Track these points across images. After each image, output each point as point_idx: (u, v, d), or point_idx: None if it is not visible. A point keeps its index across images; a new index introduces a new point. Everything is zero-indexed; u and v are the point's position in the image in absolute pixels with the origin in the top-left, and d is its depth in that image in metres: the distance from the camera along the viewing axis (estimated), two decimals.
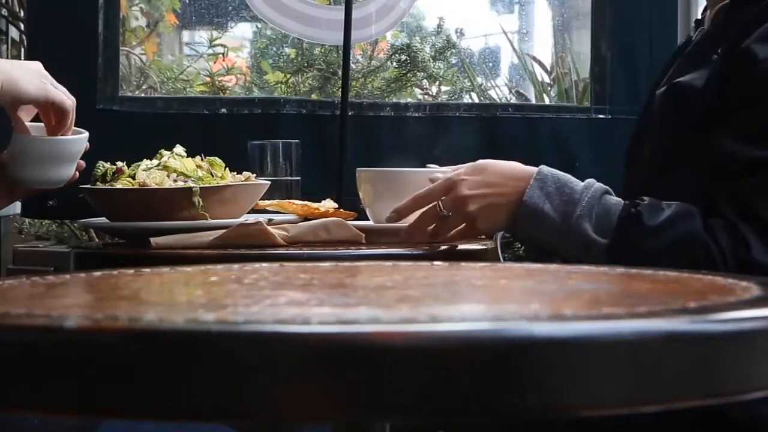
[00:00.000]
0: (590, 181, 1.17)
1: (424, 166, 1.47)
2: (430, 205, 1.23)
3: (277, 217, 1.39)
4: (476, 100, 3.01)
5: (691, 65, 1.17)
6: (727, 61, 1.11)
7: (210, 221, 1.30)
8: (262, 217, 1.32)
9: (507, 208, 1.18)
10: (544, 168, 1.19)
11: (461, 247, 1.29)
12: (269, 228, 1.24)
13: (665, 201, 1.10)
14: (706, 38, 1.21)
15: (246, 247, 1.22)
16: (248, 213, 1.40)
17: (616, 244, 1.11)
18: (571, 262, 1.13)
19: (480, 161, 1.23)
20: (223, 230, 1.25)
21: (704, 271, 0.67)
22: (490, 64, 3.46)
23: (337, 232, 1.30)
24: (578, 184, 1.16)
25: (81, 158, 1.31)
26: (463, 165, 1.24)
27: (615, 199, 1.15)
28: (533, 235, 1.19)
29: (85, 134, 1.29)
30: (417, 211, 1.25)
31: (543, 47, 3.40)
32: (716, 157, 1.09)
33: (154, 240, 1.25)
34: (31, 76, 1.21)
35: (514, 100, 3.00)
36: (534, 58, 3.19)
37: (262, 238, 1.24)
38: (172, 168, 1.35)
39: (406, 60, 3.09)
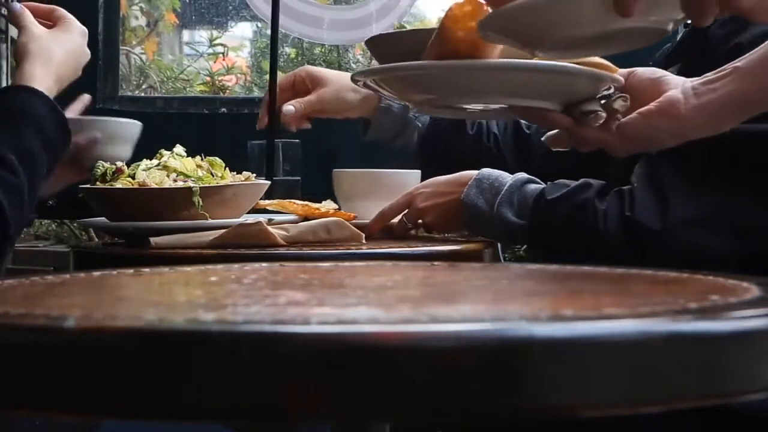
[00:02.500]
0: (520, 173, 1.24)
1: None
2: (397, 219, 1.36)
3: (277, 217, 1.39)
4: None
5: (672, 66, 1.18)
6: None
7: (210, 221, 1.30)
8: (262, 217, 1.32)
9: (456, 211, 1.27)
10: (486, 170, 1.27)
11: (461, 247, 1.29)
12: (269, 228, 1.24)
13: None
14: (691, 37, 1.22)
15: (246, 247, 1.22)
16: (248, 213, 1.40)
17: (532, 224, 1.18)
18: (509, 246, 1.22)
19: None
20: (223, 230, 1.25)
21: (705, 272, 0.67)
22: None
23: (337, 232, 1.30)
24: (507, 177, 1.24)
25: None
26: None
27: (535, 185, 1.22)
28: (479, 230, 1.28)
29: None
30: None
31: None
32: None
33: (153, 240, 1.25)
34: (76, 60, 1.29)
35: None
36: None
37: (262, 238, 1.24)
38: (172, 168, 1.35)
39: None
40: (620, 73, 1.06)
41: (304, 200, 1.48)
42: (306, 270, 0.76)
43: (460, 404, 0.41)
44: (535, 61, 1.00)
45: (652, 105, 0.97)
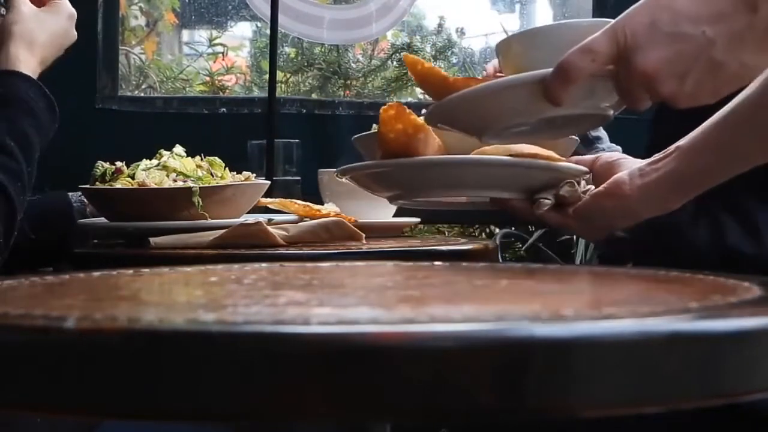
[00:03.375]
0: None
1: None
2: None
3: (277, 217, 1.39)
4: None
5: None
6: None
7: (210, 221, 1.30)
8: (262, 217, 1.32)
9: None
10: None
11: (462, 247, 1.29)
12: (269, 228, 1.24)
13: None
14: None
15: (246, 247, 1.22)
16: (249, 212, 1.40)
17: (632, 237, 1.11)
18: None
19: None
20: (223, 230, 1.25)
21: (706, 272, 0.67)
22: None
23: (338, 232, 1.30)
24: None
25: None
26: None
27: None
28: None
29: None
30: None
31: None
32: None
33: (153, 240, 1.25)
34: (59, 39, 1.27)
35: None
36: None
37: (262, 238, 1.24)
38: (171, 168, 1.35)
39: None
40: (585, 160, 1.08)
41: (304, 200, 1.49)
42: (306, 270, 0.76)
43: (460, 404, 0.41)
44: (461, 156, 1.05)
45: (601, 187, 0.98)
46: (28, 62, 1.21)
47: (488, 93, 0.86)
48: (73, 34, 1.30)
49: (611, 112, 0.88)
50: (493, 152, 1.05)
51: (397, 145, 1.06)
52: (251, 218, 1.31)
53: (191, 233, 1.27)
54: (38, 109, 1.19)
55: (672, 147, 0.94)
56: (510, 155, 1.02)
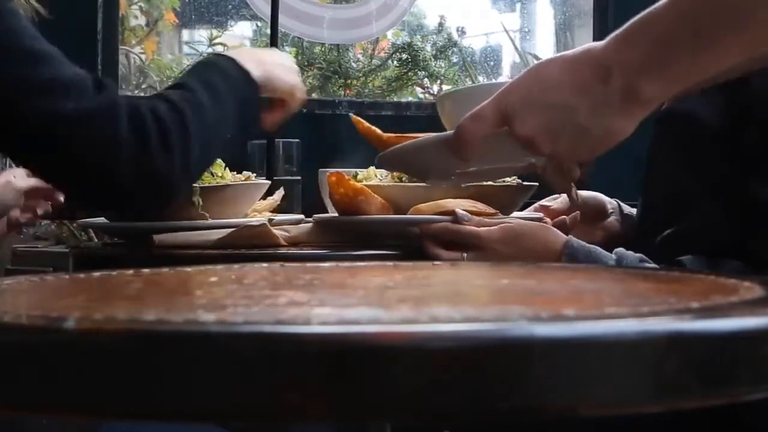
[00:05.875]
0: (620, 251, 1.15)
1: None
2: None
3: (278, 217, 1.39)
4: None
5: None
6: (735, 96, 1.09)
7: (210, 221, 1.30)
8: (262, 219, 1.33)
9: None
10: (572, 240, 1.20)
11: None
12: (273, 229, 1.25)
13: (687, 239, 1.08)
14: None
15: (246, 247, 1.22)
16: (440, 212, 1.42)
17: None
18: None
19: (510, 227, 1.23)
20: (226, 230, 1.25)
21: (706, 271, 0.67)
22: (492, 63, 3.46)
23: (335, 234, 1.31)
24: (608, 256, 1.15)
25: None
26: (492, 223, 1.24)
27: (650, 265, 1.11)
28: None
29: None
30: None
31: (545, 46, 3.40)
32: (754, 206, 1.07)
33: (156, 237, 1.25)
34: (285, 73, 1.29)
35: None
36: (536, 57, 3.19)
37: (265, 238, 1.24)
38: None
39: (407, 59, 3.09)
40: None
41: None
42: (307, 270, 0.76)
43: (460, 404, 0.41)
44: (386, 217, 1.28)
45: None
46: (247, 62, 1.23)
47: (411, 150, 0.99)
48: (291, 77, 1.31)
49: (533, 159, 0.93)
50: (426, 209, 1.26)
51: (343, 204, 1.28)
52: (253, 220, 1.31)
53: (195, 232, 1.27)
54: (234, 76, 1.20)
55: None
56: (439, 212, 1.24)
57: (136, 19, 3.39)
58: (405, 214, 1.28)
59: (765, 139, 1.07)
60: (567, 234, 1.22)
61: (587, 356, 0.42)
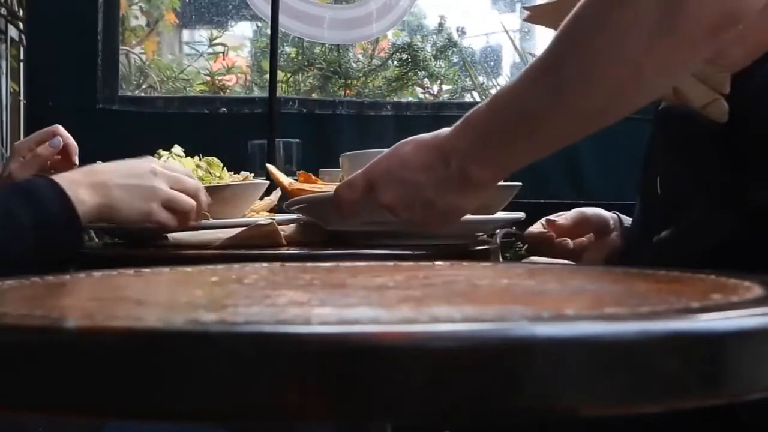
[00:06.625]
0: None
1: None
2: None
3: (277, 217, 1.39)
4: (478, 99, 3.01)
5: None
6: (734, 95, 1.09)
7: (210, 221, 1.30)
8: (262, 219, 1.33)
9: None
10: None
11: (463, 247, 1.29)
12: (278, 229, 1.25)
13: (685, 239, 1.09)
14: None
15: (254, 246, 1.23)
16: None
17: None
18: None
19: None
20: (236, 229, 1.25)
21: (707, 271, 0.67)
22: (492, 63, 3.46)
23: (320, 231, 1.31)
24: None
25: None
26: None
27: None
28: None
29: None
30: None
31: (545, 46, 3.40)
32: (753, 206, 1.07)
33: (171, 236, 1.26)
34: (136, 199, 1.17)
35: None
36: (535, 57, 3.18)
37: (273, 238, 1.24)
38: None
39: (407, 59, 3.09)
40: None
41: None
42: (307, 270, 0.76)
43: (460, 404, 0.40)
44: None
45: None
46: (70, 176, 1.15)
47: (311, 203, 1.15)
48: (145, 169, 1.20)
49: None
50: None
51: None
52: (261, 219, 1.32)
53: (207, 230, 1.27)
54: (43, 196, 1.10)
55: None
56: None
57: (136, 19, 3.39)
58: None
59: (764, 138, 1.07)
60: (581, 255, 1.24)
61: (587, 356, 0.42)
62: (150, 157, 1.28)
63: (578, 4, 0.83)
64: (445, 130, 0.92)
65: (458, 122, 0.90)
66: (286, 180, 1.34)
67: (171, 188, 1.20)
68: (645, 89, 0.82)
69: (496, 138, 0.87)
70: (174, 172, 1.23)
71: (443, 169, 0.90)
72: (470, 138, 0.88)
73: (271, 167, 1.40)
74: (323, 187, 1.31)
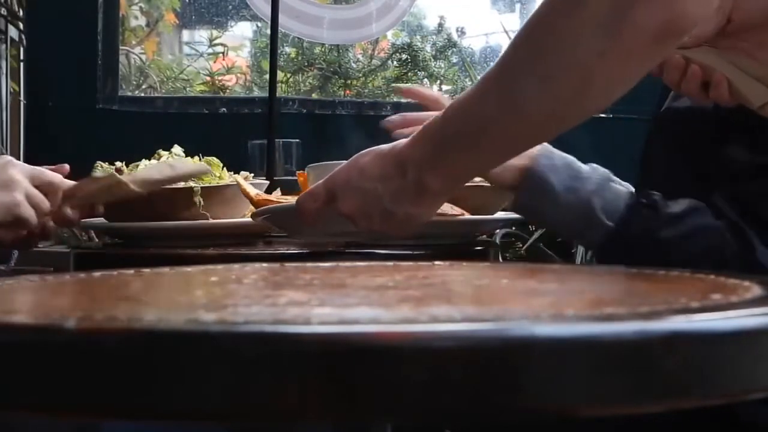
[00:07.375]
0: (592, 165, 1.15)
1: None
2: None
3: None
4: None
5: None
6: None
7: (210, 221, 1.30)
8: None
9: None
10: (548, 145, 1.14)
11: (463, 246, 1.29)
12: (121, 178, 1.23)
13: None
14: None
15: (234, 245, 1.22)
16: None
17: (625, 230, 1.08)
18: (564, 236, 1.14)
19: None
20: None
21: (707, 271, 0.67)
22: (492, 63, 3.45)
23: (181, 168, 1.30)
24: (582, 165, 1.14)
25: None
26: None
27: (621, 187, 1.12)
28: (532, 204, 1.13)
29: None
30: None
31: None
32: (719, 163, 1.09)
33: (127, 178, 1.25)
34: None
35: None
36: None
37: (119, 188, 1.23)
38: None
39: (406, 59, 3.09)
40: None
41: None
42: (307, 270, 0.76)
43: (460, 404, 0.41)
44: None
45: None
46: None
47: (276, 213, 1.16)
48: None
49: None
50: None
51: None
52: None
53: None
54: None
55: None
56: None
57: (136, 19, 3.39)
58: None
59: (762, 138, 1.07)
60: None
61: (587, 356, 0.42)
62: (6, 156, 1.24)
63: (533, 12, 0.83)
64: (403, 141, 0.93)
65: (415, 132, 0.91)
66: (252, 191, 1.33)
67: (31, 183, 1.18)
68: (596, 96, 0.82)
69: (449, 147, 0.88)
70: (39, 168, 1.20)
71: (400, 179, 0.91)
72: (425, 147, 0.89)
73: (238, 177, 1.37)
74: (289, 198, 1.30)
